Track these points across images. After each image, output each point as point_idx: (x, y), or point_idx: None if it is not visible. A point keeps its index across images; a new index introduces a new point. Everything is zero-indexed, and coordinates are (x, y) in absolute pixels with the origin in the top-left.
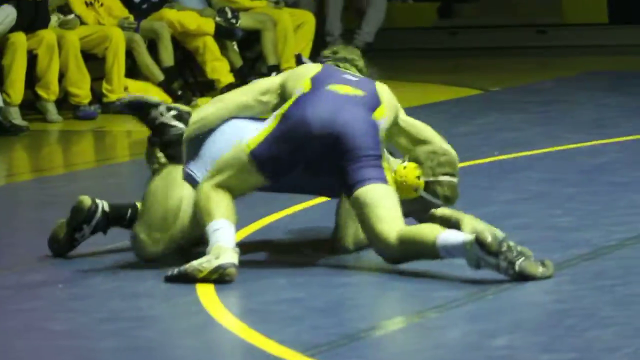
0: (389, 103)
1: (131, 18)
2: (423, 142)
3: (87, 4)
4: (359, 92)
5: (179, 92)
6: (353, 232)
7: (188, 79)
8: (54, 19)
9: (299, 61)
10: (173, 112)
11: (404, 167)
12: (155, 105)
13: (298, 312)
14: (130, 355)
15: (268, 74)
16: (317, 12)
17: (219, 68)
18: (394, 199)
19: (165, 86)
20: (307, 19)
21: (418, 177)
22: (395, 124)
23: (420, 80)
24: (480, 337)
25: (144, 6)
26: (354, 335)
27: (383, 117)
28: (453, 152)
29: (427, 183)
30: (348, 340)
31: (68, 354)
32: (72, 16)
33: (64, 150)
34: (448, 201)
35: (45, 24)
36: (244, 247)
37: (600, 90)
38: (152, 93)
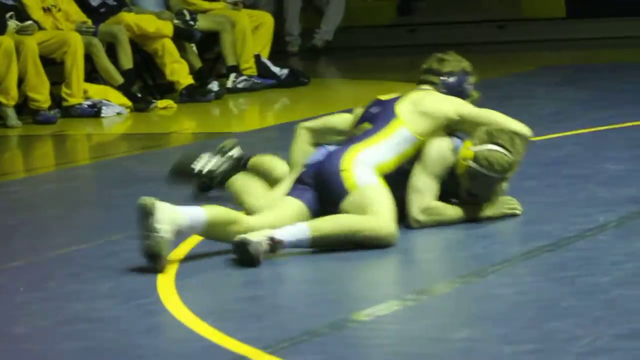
0: (415, 110)
1: (89, 22)
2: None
3: (44, 10)
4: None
5: (139, 95)
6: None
7: (147, 82)
8: (12, 25)
9: (258, 62)
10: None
11: (464, 144)
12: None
13: (259, 309)
14: (90, 356)
15: (227, 75)
16: (275, 12)
17: (178, 70)
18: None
19: (125, 89)
20: (266, 20)
21: (469, 148)
22: (457, 121)
23: (380, 78)
24: (441, 330)
25: (102, 10)
26: (316, 332)
27: (402, 126)
28: (525, 131)
29: (475, 154)
30: (309, 336)
31: (28, 357)
32: (29, 22)
33: (24, 155)
34: (491, 169)
35: (2, 30)
36: (204, 245)
37: (558, 84)
38: (112, 96)
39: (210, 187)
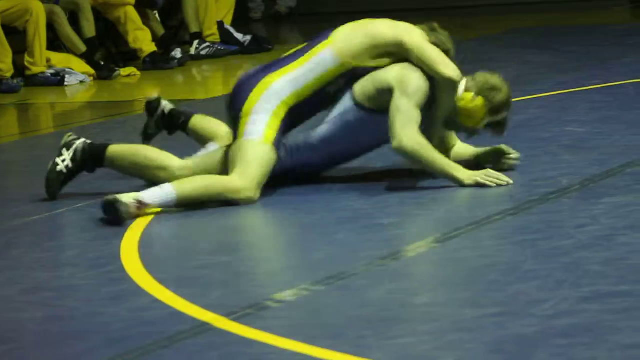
0: (352, 31)
1: None
2: None
3: None
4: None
5: (102, 63)
6: None
7: (110, 50)
8: None
9: (221, 28)
10: None
11: (472, 101)
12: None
13: (222, 276)
14: (54, 324)
15: (190, 42)
16: None
17: (141, 37)
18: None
19: (88, 57)
20: None
21: (484, 117)
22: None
23: None
24: (403, 294)
25: None
26: (280, 298)
27: (328, 46)
28: (507, 85)
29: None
30: (273, 302)
31: None
32: None
33: None
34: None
35: None
36: (166, 214)
37: (522, 47)
38: (75, 64)
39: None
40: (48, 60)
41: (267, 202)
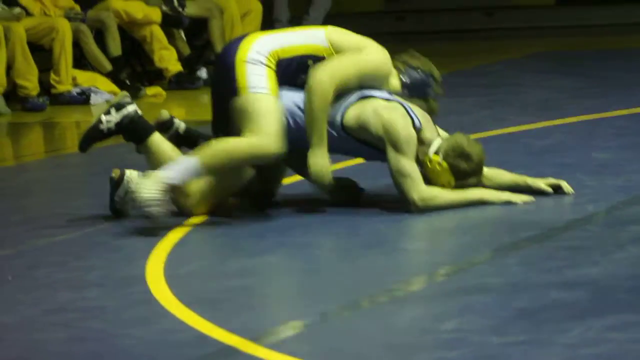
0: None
1: (77, 8)
2: None
3: None
4: None
5: (128, 82)
6: None
7: (136, 69)
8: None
9: None
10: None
11: (439, 165)
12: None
13: (249, 299)
14: (78, 346)
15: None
16: None
17: (166, 57)
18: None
19: (114, 76)
20: (254, 7)
21: (450, 181)
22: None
23: None
24: (430, 320)
25: None
26: (306, 322)
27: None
28: (478, 151)
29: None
30: (299, 327)
31: (16, 346)
32: (17, 8)
33: (13, 142)
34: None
35: None
36: (193, 235)
37: (546, 71)
38: (100, 83)
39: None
40: (74, 79)
41: (291, 225)
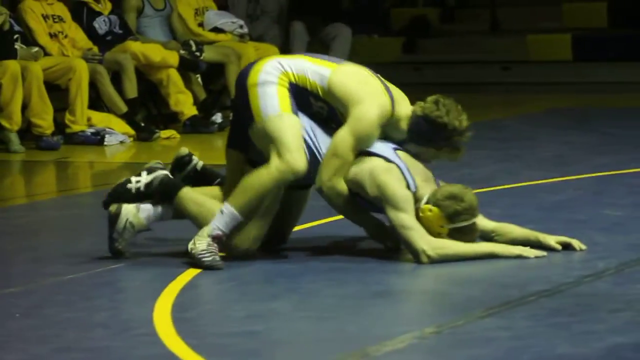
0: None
1: (95, 50)
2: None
3: (51, 35)
4: None
5: (142, 124)
6: None
7: (151, 111)
8: (18, 49)
9: None
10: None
11: (430, 211)
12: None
13: (256, 345)
14: None
15: (231, 107)
16: (281, 45)
17: (182, 100)
18: None
19: (129, 118)
20: (272, 53)
21: (441, 226)
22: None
23: None
24: None
25: (108, 38)
26: None
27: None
28: (469, 194)
29: (450, 230)
30: None
31: None
32: (36, 48)
33: (26, 181)
34: (469, 240)
35: (11, 54)
36: (201, 278)
37: (562, 127)
38: (115, 124)
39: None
40: (89, 119)
41: (300, 271)
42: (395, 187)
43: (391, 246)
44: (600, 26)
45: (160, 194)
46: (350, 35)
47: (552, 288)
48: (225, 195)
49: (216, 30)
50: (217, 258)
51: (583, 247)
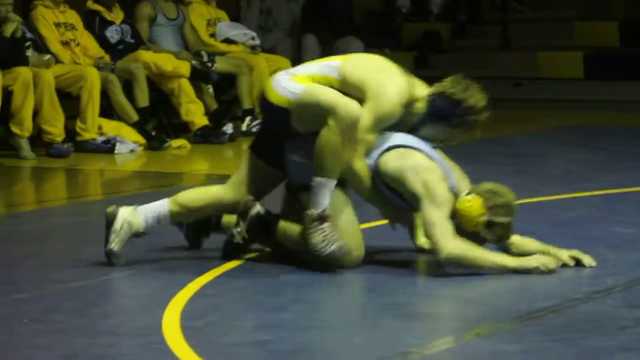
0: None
1: (107, 58)
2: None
3: (63, 43)
4: None
5: (153, 133)
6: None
7: (162, 120)
8: (30, 57)
9: None
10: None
11: (470, 202)
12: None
13: (263, 354)
14: None
15: (242, 118)
16: (293, 57)
17: (193, 110)
18: None
19: (140, 127)
20: (283, 65)
21: (481, 215)
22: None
23: None
24: None
25: (120, 47)
26: None
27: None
28: (509, 193)
29: (487, 222)
30: None
31: None
32: (48, 55)
33: (36, 187)
34: (500, 241)
35: (23, 61)
36: (214, 285)
37: (573, 144)
38: (126, 133)
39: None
40: (99, 127)
41: (308, 282)
42: (439, 186)
43: (401, 225)
44: (612, 45)
45: (263, 231)
46: (361, 49)
47: (561, 303)
48: (226, 188)
49: (228, 41)
50: (336, 239)
51: (593, 263)
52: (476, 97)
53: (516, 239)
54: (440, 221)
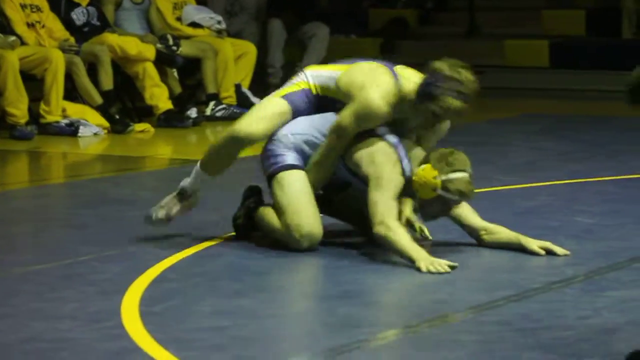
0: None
1: (72, 40)
2: None
3: (28, 25)
4: None
5: (117, 117)
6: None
7: (126, 104)
8: None
9: (238, 91)
10: None
11: (422, 169)
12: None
13: (222, 340)
14: None
15: (207, 103)
16: (259, 43)
17: (157, 94)
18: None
19: (103, 110)
20: (249, 50)
21: (435, 177)
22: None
23: None
24: None
25: (86, 29)
26: None
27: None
28: (459, 152)
29: (443, 182)
30: None
31: None
32: (13, 37)
33: None
34: (464, 195)
35: None
36: (174, 270)
37: (535, 133)
38: (90, 116)
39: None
40: (63, 110)
41: (268, 268)
42: (387, 168)
43: None
44: (579, 34)
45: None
46: (327, 35)
47: (520, 293)
48: None
49: (194, 25)
50: (166, 208)
51: (567, 252)
52: (459, 72)
53: (490, 226)
54: (381, 200)
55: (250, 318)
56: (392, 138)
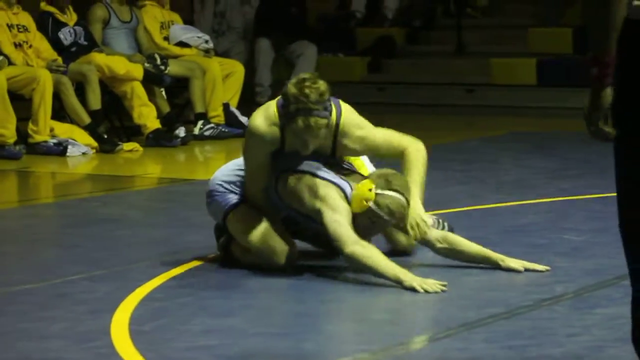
0: None
1: (60, 60)
2: None
3: (15, 45)
4: None
5: (105, 136)
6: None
7: (114, 123)
8: None
9: (226, 110)
10: None
11: (362, 184)
12: None
13: (211, 359)
14: None
15: (195, 122)
16: (246, 62)
17: (145, 113)
18: None
19: (92, 129)
20: (237, 69)
21: (370, 189)
22: None
23: None
24: None
25: (73, 49)
26: None
27: None
28: (403, 177)
29: (376, 194)
30: None
31: None
32: (0, 57)
33: None
34: (392, 215)
35: None
36: (164, 289)
37: (524, 151)
38: (78, 135)
39: None
40: (51, 130)
41: (257, 287)
42: (337, 199)
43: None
44: (566, 52)
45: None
46: (315, 53)
47: (510, 311)
48: None
49: (181, 44)
50: None
51: (548, 267)
52: (300, 87)
53: (445, 235)
54: (342, 222)
55: (239, 337)
56: (322, 172)
